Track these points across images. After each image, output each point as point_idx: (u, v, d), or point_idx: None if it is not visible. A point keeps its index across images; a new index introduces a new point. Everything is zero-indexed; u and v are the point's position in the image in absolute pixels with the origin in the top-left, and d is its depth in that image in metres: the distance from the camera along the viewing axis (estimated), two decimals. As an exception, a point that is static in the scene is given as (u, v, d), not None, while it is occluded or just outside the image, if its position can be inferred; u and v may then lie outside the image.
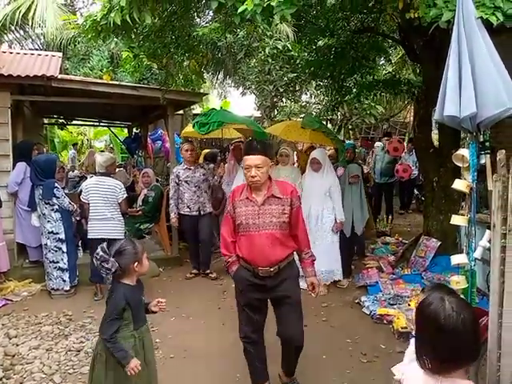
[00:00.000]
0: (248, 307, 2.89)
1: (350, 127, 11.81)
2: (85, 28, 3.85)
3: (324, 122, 8.36)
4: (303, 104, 11.11)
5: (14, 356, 3.62)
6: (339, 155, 6.26)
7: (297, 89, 10.05)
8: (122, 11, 3.46)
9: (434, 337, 1.42)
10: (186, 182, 5.60)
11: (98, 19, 3.68)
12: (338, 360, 3.60)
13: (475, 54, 2.19)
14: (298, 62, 8.09)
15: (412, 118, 9.70)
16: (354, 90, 7.13)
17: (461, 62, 2.16)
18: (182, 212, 5.64)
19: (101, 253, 2.28)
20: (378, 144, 9.96)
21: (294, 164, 6.34)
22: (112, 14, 3.45)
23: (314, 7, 5.89)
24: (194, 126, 5.70)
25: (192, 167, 5.65)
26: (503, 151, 1.85)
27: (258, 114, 13.05)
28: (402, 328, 3.90)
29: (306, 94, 11.31)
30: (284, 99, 10.03)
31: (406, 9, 3.35)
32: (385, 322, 4.23)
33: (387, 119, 12.47)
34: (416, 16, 3.15)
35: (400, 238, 6.93)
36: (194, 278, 5.74)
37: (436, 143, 5.59)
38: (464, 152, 2.29)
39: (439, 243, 5.16)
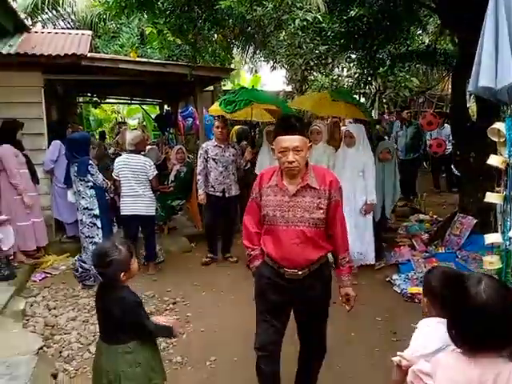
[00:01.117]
0: (268, 312, 2.49)
1: (384, 101, 11.43)
2: (108, 5, 3.83)
3: (356, 96, 8.10)
4: (335, 77, 10.78)
5: (53, 326, 3.81)
6: (372, 130, 6.03)
7: (328, 62, 9.74)
8: (144, -14, 3.41)
9: (463, 315, 1.41)
10: (213, 159, 5.33)
11: (121, -5, 3.65)
12: (367, 338, 3.59)
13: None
14: (328, 34, 7.81)
15: (450, 91, 9.27)
16: (388, 61, 6.85)
17: (498, 28, 1.96)
18: (207, 191, 5.40)
19: (80, 269, 2.06)
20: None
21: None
22: (134, -10, 3.41)
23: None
24: (220, 104, 5.46)
25: (222, 145, 5.37)
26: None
27: (288, 88, 12.84)
28: (432, 307, 3.82)
29: (337, 67, 10.97)
30: (315, 73, 9.75)
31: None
32: (416, 300, 4.15)
33: (423, 92, 11.93)
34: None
35: (435, 216, 6.71)
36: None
37: (474, 116, 5.33)
38: (500, 126, 2.16)
39: (475, 221, 4.96)
